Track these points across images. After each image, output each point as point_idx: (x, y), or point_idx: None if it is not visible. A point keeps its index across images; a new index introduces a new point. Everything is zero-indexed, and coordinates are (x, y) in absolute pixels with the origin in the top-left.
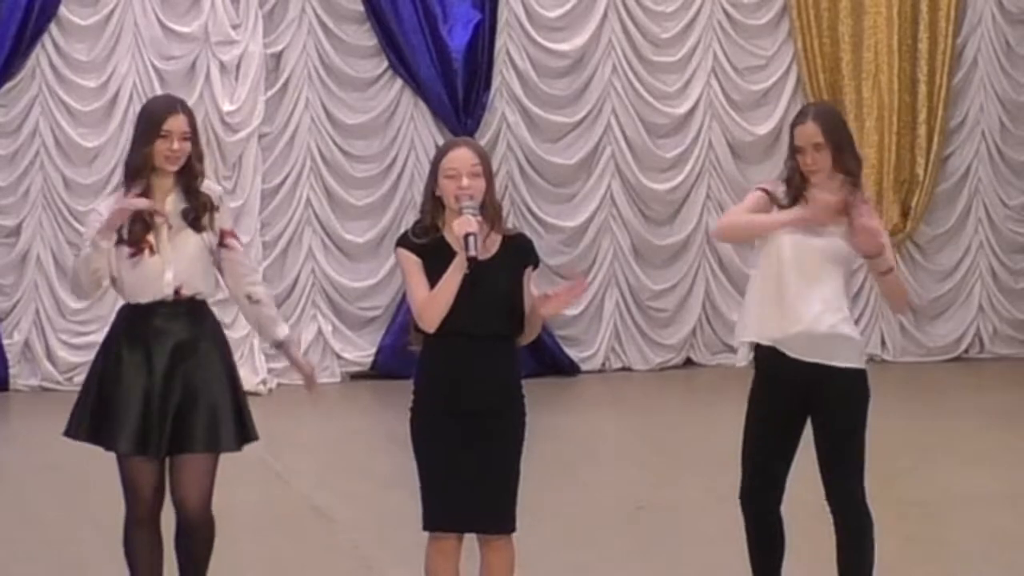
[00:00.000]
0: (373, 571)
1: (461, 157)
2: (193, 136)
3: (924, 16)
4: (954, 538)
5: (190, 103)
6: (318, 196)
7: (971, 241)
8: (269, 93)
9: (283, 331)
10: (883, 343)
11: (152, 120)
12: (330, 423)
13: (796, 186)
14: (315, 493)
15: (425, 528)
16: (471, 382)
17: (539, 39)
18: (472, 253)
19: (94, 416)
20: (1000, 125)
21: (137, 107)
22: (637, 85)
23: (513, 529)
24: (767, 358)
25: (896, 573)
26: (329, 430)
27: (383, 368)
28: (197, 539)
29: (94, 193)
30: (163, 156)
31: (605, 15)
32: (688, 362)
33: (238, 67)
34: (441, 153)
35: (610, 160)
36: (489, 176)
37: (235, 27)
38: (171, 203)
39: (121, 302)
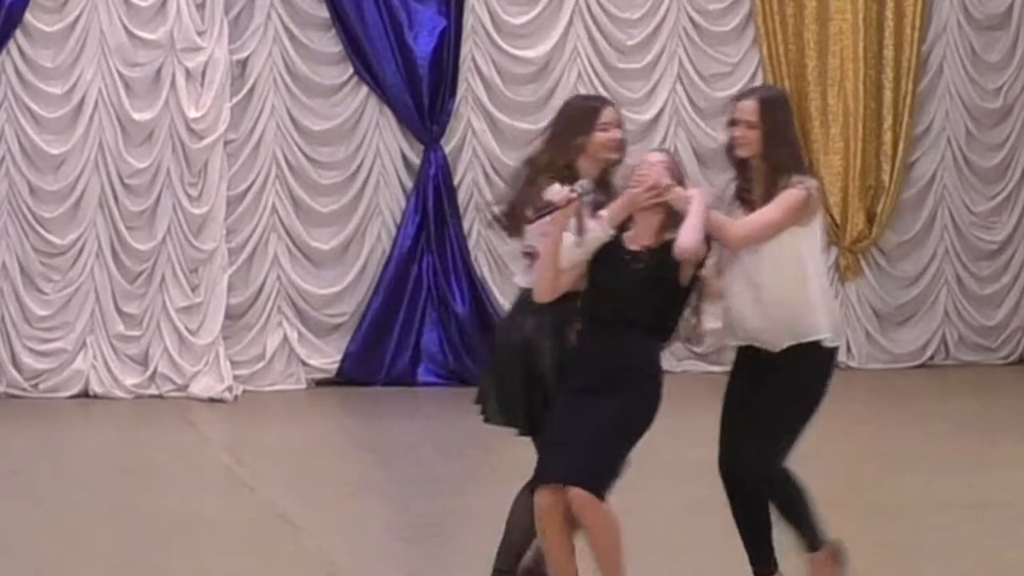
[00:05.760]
0: None
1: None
2: None
3: (890, 23)
4: (921, 544)
5: (155, 110)
6: (283, 203)
7: (936, 248)
8: (234, 100)
9: None
10: (848, 350)
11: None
12: (296, 430)
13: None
14: (281, 500)
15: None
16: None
17: (504, 46)
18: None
19: None
20: (966, 131)
21: (103, 114)
22: (602, 92)
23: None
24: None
25: None
26: (295, 437)
27: (349, 375)
28: None
29: (60, 200)
30: (604, 145)
31: (571, 22)
32: None
33: (203, 74)
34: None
35: None
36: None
37: (200, 34)
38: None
39: None
